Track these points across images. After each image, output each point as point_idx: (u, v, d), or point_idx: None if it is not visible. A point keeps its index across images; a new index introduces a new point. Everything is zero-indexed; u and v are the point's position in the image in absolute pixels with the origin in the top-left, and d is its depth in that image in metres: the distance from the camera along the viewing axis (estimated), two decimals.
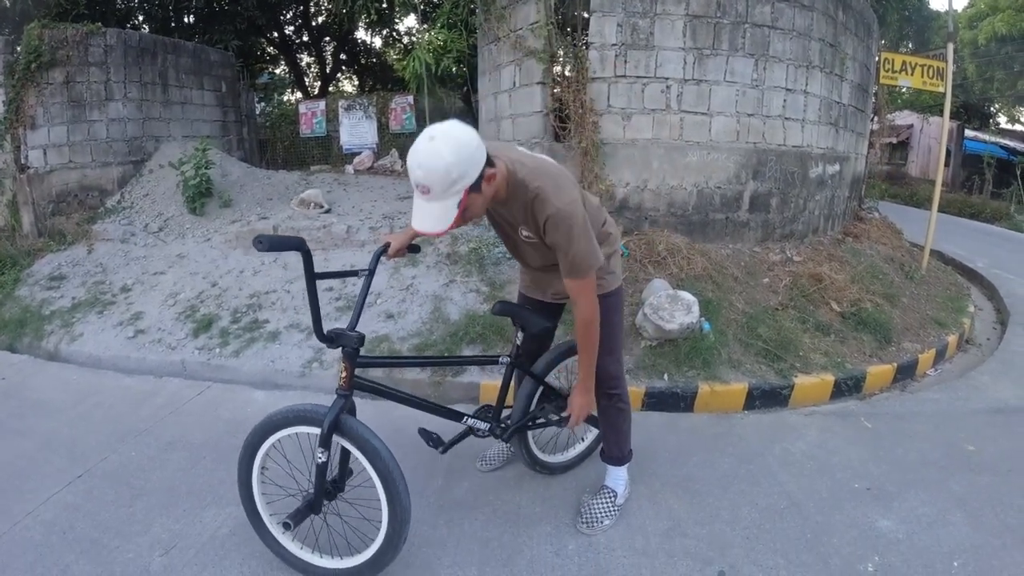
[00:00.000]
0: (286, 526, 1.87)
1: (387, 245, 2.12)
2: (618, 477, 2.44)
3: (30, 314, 4.53)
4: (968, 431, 3.27)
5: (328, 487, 1.95)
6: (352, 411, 1.92)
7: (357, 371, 1.91)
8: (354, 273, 1.98)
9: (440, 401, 3.33)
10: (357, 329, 1.90)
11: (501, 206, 1.90)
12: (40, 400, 3.48)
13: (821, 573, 2.10)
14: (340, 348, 1.90)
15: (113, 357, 3.98)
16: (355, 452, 1.88)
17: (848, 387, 3.68)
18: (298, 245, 1.70)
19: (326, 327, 1.89)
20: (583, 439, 2.81)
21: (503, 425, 2.34)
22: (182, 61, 7.48)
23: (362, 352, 1.93)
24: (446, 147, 1.55)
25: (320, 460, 1.86)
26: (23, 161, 6.19)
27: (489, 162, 1.67)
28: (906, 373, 3.99)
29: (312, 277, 1.85)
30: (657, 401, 3.39)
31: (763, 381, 3.51)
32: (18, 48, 6.15)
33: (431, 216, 1.63)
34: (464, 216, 1.68)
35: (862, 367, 3.80)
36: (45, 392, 3.60)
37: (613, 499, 2.38)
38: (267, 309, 4.26)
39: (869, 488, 2.66)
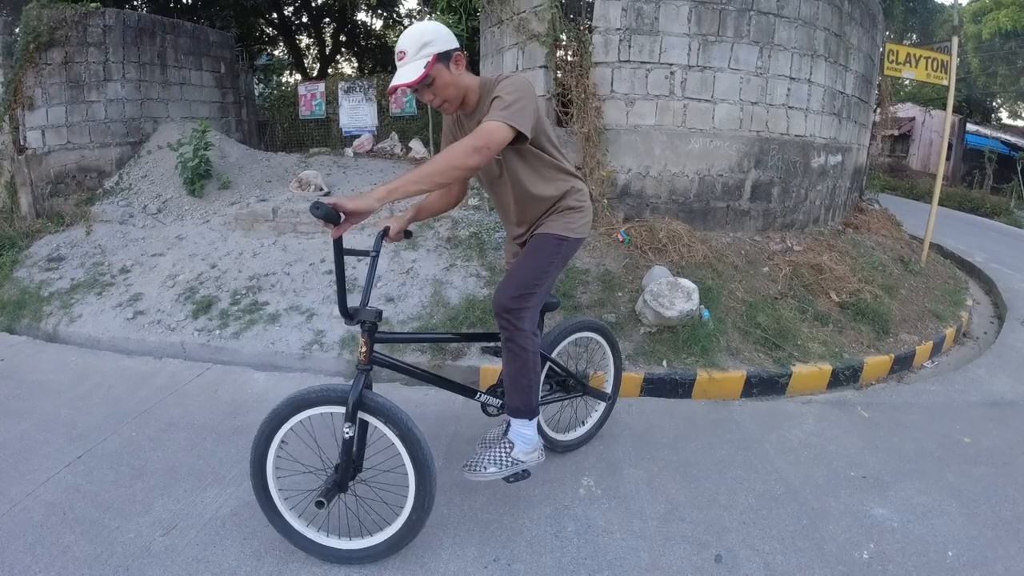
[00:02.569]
0: (319, 504, 1.85)
1: (387, 228, 2.16)
2: (519, 432, 2.17)
3: (28, 295, 4.51)
4: (964, 423, 3.28)
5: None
6: (370, 386, 1.94)
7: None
8: (366, 253, 2.01)
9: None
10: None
11: (475, 116, 2.01)
12: (39, 381, 3.47)
13: (816, 559, 2.11)
14: (359, 323, 1.94)
15: (112, 338, 3.96)
16: (382, 427, 1.90)
17: (845, 377, 3.69)
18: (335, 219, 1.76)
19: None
20: (584, 422, 2.83)
21: None
22: (181, 42, 7.40)
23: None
24: (423, 23, 1.94)
25: (347, 435, 1.87)
26: (21, 142, 6.12)
27: (459, 51, 1.93)
28: (903, 364, 4.01)
29: (341, 252, 1.90)
30: (655, 387, 3.40)
31: (761, 369, 3.52)
32: (16, 29, 6.08)
33: (404, 75, 1.86)
34: (436, 90, 1.90)
35: (860, 357, 3.81)
36: (44, 373, 3.59)
37: (508, 451, 2.14)
38: (267, 291, 4.24)
39: (865, 476, 2.67)
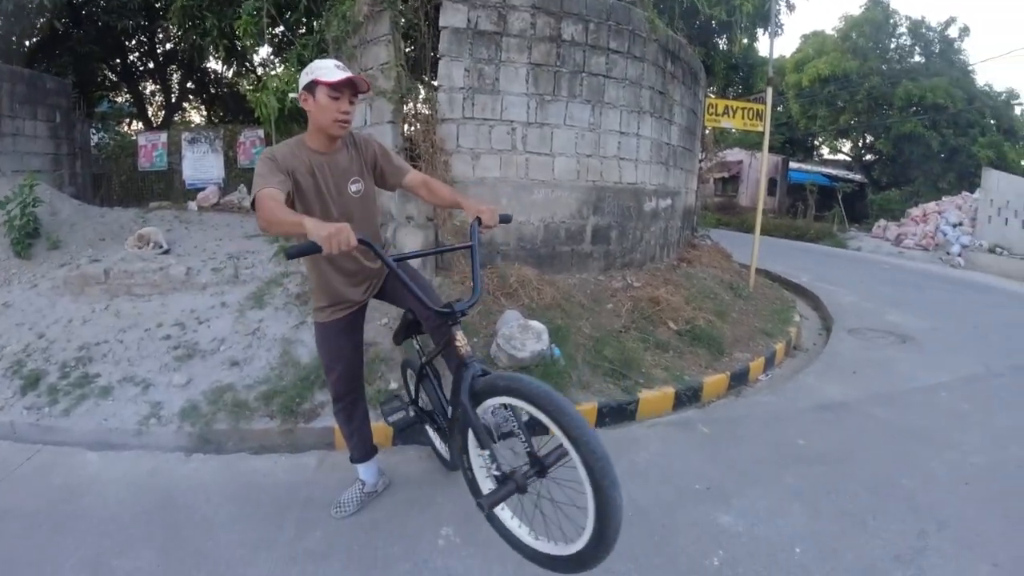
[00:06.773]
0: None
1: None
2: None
3: None
4: (798, 427, 3.60)
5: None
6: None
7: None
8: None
9: (291, 450, 3.27)
10: None
11: (334, 157, 2.24)
12: None
13: (670, 572, 2.25)
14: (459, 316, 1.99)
15: None
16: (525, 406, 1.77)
17: (688, 397, 4.01)
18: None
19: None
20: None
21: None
22: (17, 89, 6.83)
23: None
24: None
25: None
26: None
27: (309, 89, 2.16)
28: (739, 380, 4.41)
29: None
30: None
31: (611, 399, 3.75)
32: None
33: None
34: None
35: (699, 378, 4.16)
36: None
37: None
38: (98, 362, 3.92)
39: (709, 488, 2.86)
